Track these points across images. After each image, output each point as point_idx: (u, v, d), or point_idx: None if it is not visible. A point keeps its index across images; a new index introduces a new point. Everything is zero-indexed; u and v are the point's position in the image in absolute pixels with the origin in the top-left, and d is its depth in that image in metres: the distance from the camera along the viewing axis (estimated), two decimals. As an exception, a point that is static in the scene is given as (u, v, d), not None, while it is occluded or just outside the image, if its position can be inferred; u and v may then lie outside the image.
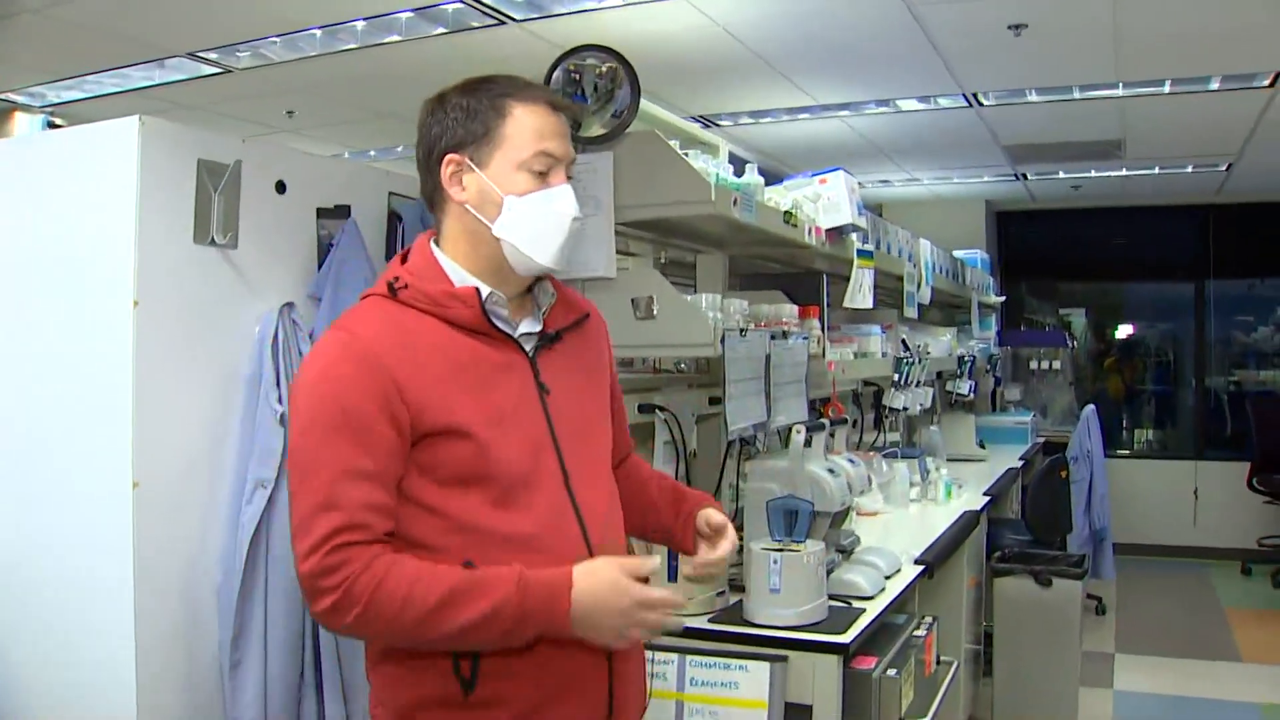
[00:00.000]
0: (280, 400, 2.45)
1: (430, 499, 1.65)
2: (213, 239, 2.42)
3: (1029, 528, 5.44)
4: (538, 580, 1.58)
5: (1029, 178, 8.01)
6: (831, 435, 3.31)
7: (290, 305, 2.56)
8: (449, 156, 1.73)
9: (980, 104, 5.73)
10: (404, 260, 1.78)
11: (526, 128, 1.71)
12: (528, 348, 1.76)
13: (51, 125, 5.77)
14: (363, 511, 1.58)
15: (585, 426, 1.80)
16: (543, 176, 1.72)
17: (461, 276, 1.74)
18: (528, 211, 1.71)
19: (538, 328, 1.79)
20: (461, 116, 1.72)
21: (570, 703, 1.70)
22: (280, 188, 2.61)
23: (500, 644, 1.61)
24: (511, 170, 1.71)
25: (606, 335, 1.99)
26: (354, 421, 1.60)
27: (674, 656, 2.53)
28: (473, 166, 1.72)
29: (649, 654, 2.06)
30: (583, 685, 1.71)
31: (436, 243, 1.78)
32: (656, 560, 1.69)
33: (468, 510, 1.64)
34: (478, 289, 1.72)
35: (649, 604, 1.63)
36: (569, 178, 1.77)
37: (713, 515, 1.95)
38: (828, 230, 3.48)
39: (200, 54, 4.76)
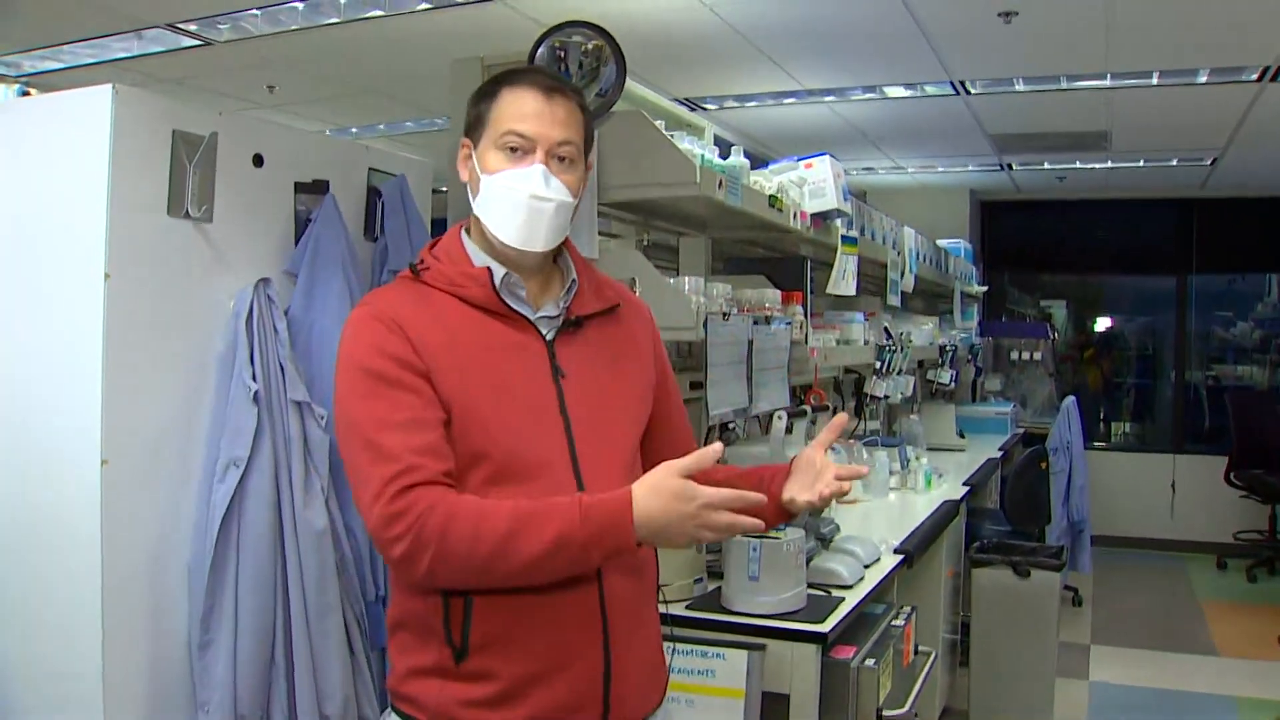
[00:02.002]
0: (254, 378, 2.41)
1: None
2: (187, 212, 2.38)
3: (1008, 518, 5.45)
4: (599, 505, 1.57)
5: (1014, 168, 7.98)
6: (813, 422, 3.30)
7: (266, 281, 2.52)
8: (462, 140, 1.81)
9: (968, 92, 5.69)
10: (435, 245, 1.85)
11: (506, 109, 1.75)
12: (546, 330, 1.77)
13: (26, 95, 5.68)
14: (411, 455, 1.59)
15: (605, 413, 1.78)
16: (516, 155, 1.73)
17: (481, 259, 1.78)
18: (494, 189, 1.74)
19: (559, 312, 1.80)
20: (471, 103, 1.79)
21: (560, 682, 1.68)
22: (258, 161, 2.57)
23: (566, 573, 1.62)
24: (490, 149, 1.75)
25: (650, 328, 1.96)
26: (381, 377, 1.64)
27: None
28: (472, 150, 1.79)
29: None
30: (574, 665, 1.68)
31: (467, 230, 1.83)
32: (717, 446, 1.63)
33: (468, 484, 1.64)
34: (490, 269, 1.75)
35: (716, 504, 1.58)
36: (561, 158, 1.75)
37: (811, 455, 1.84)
38: (813, 215, 3.46)
39: (179, 25, 4.68)
